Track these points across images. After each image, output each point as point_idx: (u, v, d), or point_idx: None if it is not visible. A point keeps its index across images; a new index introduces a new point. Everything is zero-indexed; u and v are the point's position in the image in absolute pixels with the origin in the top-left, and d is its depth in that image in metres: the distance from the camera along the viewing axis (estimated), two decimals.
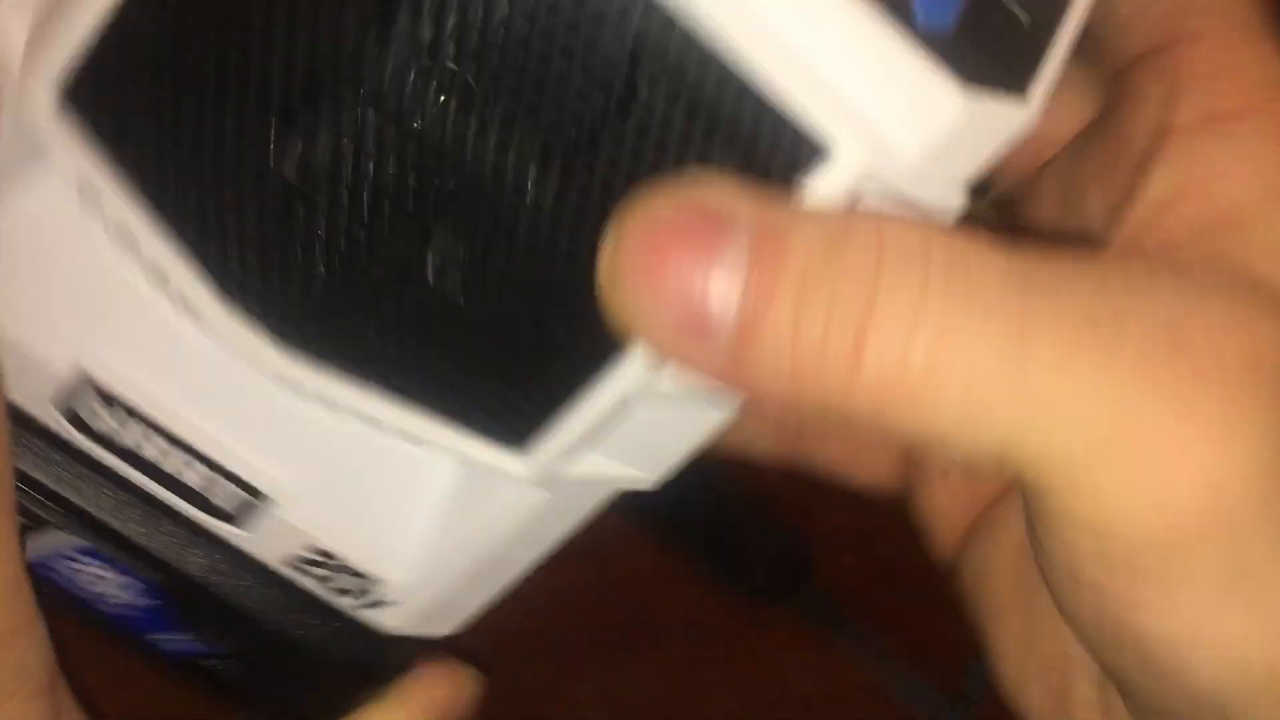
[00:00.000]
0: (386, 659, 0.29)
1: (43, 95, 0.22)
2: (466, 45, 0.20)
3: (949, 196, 0.22)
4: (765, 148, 0.20)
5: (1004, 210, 0.28)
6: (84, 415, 0.25)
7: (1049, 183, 0.27)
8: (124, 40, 0.21)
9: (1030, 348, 0.18)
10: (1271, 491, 0.18)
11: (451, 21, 0.20)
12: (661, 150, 0.20)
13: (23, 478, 0.26)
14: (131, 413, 0.25)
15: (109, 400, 0.25)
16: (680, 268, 0.19)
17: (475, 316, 0.23)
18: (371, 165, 0.21)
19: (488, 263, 0.22)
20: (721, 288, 0.19)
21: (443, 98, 0.21)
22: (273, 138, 0.21)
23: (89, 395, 0.25)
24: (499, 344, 0.23)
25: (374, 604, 0.27)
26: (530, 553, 0.27)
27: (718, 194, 0.20)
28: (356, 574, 0.27)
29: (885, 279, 0.18)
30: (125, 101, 0.22)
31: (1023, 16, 0.21)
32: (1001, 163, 0.23)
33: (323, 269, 0.23)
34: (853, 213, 0.20)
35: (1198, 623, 0.19)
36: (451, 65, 0.20)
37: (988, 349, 0.18)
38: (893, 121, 0.20)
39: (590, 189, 0.21)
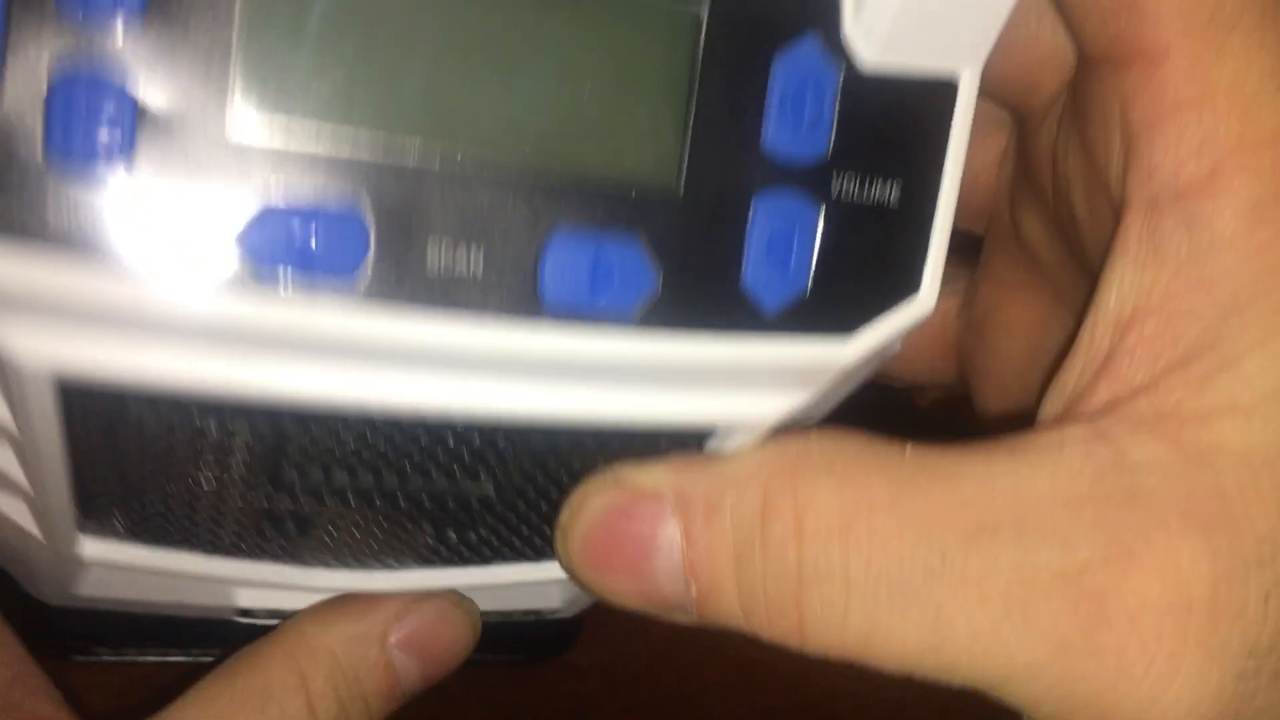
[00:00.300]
0: (571, 622, 0.34)
1: (71, 543, 0.24)
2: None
3: (874, 367, 0.21)
4: (674, 441, 0.21)
5: None
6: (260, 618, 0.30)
7: (1044, 145, 0.24)
8: (93, 481, 0.23)
9: (949, 637, 0.19)
10: None
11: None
12: (592, 464, 0.21)
13: None
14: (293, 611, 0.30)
15: (269, 611, 0.30)
16: (625, 567, 0.21)
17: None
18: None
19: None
20: (667, 577, 0.21)
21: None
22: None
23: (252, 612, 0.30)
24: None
25: (548, 615, 0.32)
26: None
27: (640, 477, 0.21)
28: (529, 611, 0.32)
29: (809, 569, 0.20)
30: (125, 509, 0.24)
31: (892, 195, 0.19)
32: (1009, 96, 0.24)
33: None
34: (772, 472, 0.20)
35: None
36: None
37: (912, 637, 0.19)
38: (782, 392, 0.20)
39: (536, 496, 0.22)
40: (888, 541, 0.19)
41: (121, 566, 0.25)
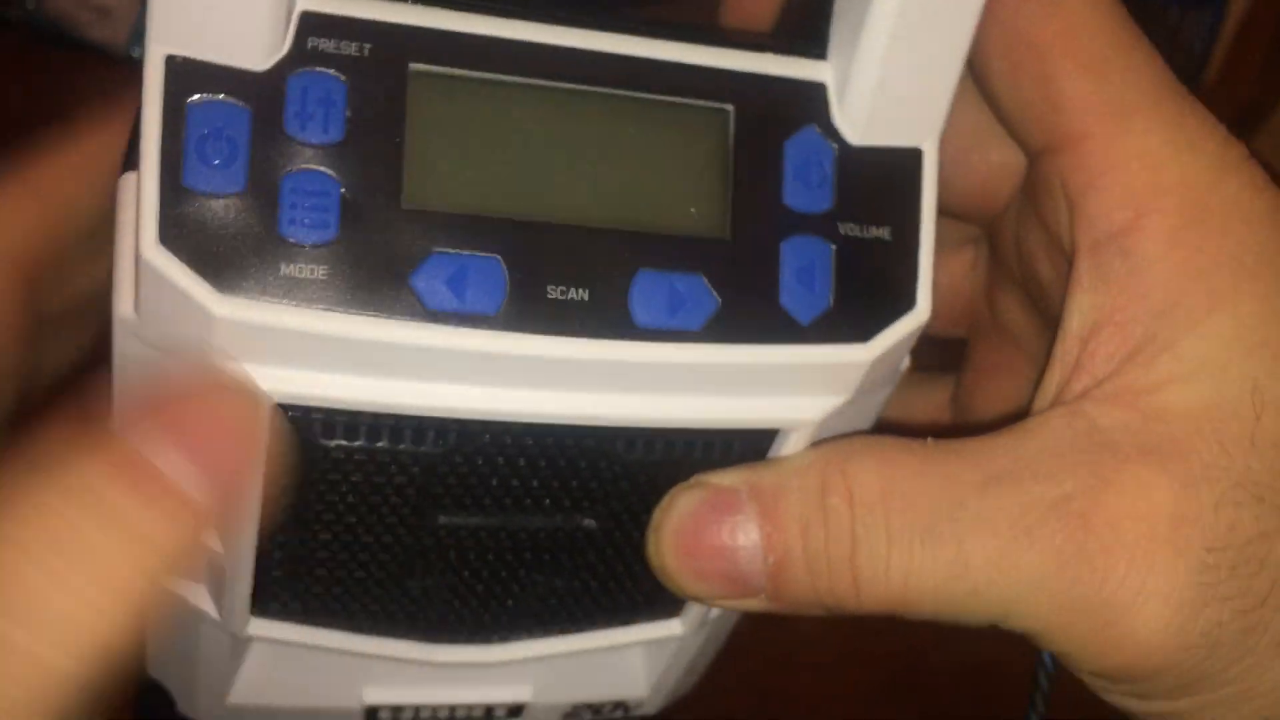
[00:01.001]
0: None
1: (243, 621, 0.29)
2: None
3: (890, 378, 0.27)
4: (743, 450, 0.26)
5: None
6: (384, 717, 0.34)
7: (1009, 235, 0.31)
8: (272, 545, 0.28)
9: (970, 566, 0.24)
10: (1192, 628, 0.23)
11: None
12: (676, 475, 0.26)
13: None
14: (413, 708, 0.34)
15: (393, 710, 0.34)
16: (711, 552, 0.26)
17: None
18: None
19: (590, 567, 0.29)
20: (747, 556, 0.25)
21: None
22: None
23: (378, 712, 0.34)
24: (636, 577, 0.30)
25: (634, 709, 0.36)
26: (719, 643, 0.35)
27: (719, 479, 0.26)
28: (616, 704, 0.36)
29: (860, 528, 0.25)
30: (300, 596, 0.29)
31: (886, 234, 0.25)
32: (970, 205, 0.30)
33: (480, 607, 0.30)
34: (826, 459, 0.25)
35: (1156, 709, 0.25)
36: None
37: (943, 573, 0.24)
38: (822, 394, 0.25)
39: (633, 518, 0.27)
40: (917, 500, 0.24)
41: (281, 642, 0.29)
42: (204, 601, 0.29)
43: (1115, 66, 0.26)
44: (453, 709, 0.34)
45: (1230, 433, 0.24)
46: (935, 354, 0.36)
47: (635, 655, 0.35)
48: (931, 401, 0.36)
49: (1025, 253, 0.30)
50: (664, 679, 0.35)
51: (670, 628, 0.32)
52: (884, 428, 0.35)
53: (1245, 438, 0.24)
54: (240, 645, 0.31)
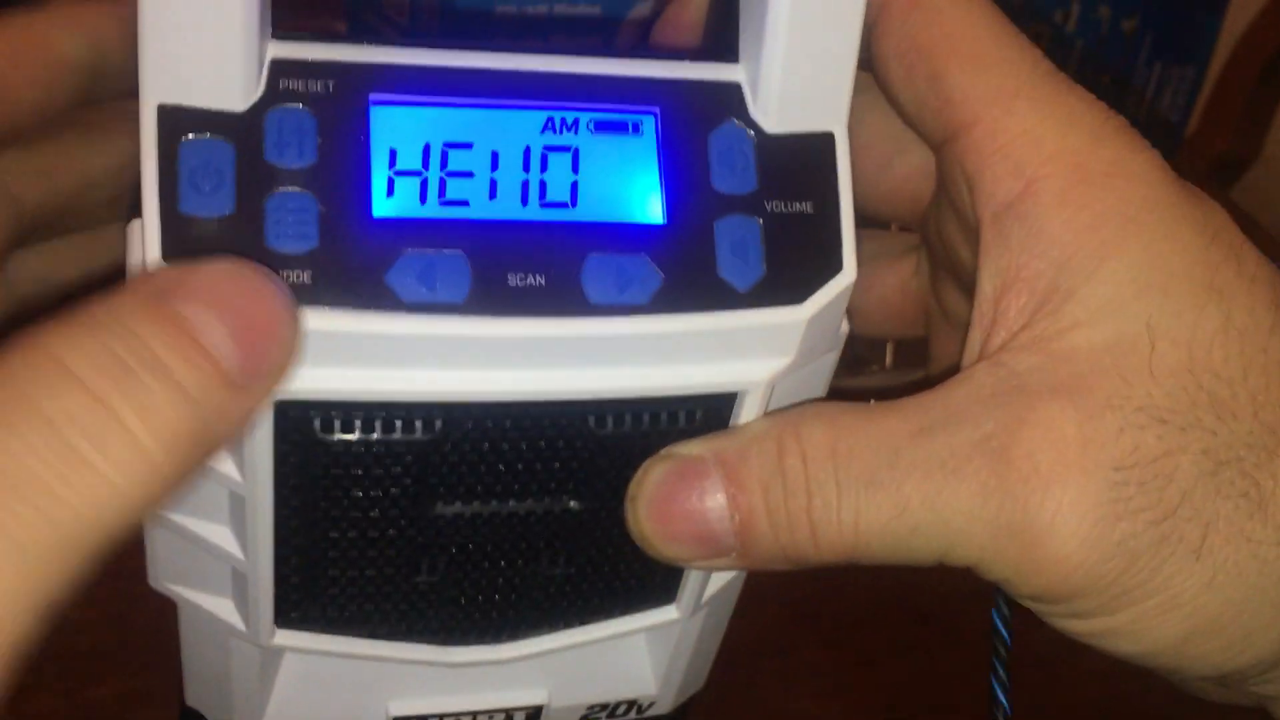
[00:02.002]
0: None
1: (269, 632, 0.31)
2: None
3: (831, 342, 0.30)
4: (706, 419, 0.29)
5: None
6: None
7: (934, 228, 0.34)
8: (287, 583, 0.31)
9: (910, 507, 0.27)
10: (1109, 540, 0.26)
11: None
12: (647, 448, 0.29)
13: None
14: (436, 717, 0.36)
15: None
16: (684, 516, 0.28)
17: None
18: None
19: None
20: (716, 517, 0.28)
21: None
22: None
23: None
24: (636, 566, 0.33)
25: (646, 708, 0.38)
26: (717, 636, 0.37)
27: (686, 449, 0.28)
28: (629, 703, 0.38)
29: (813, 483, 0.27)
30: (315, 603, 0.31)
31: (809, 208, 0.28)
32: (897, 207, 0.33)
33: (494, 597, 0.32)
34: (781, 425, 0.28)
35: (1097, 627, 0.28)
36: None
37: (887, 515, 0.27)
38: (768, 356, 0.28)
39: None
40: (861, 452, 0.27)
41: (305, 651, 0.32)
42: (231, 615, 0.32)
43: (995, 59, 0.29)
44: (474, 715, 0.36)
45: (1129, 365, 0.27)
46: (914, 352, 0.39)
47: (641, 653, 0.38)
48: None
49: (946, 240, 0.33)
50: (670, 673, 0.37)
51: (667, 613, 0.34)
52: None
53: (1144, 368, 0.27)
54: (270, 663, 0.34)
